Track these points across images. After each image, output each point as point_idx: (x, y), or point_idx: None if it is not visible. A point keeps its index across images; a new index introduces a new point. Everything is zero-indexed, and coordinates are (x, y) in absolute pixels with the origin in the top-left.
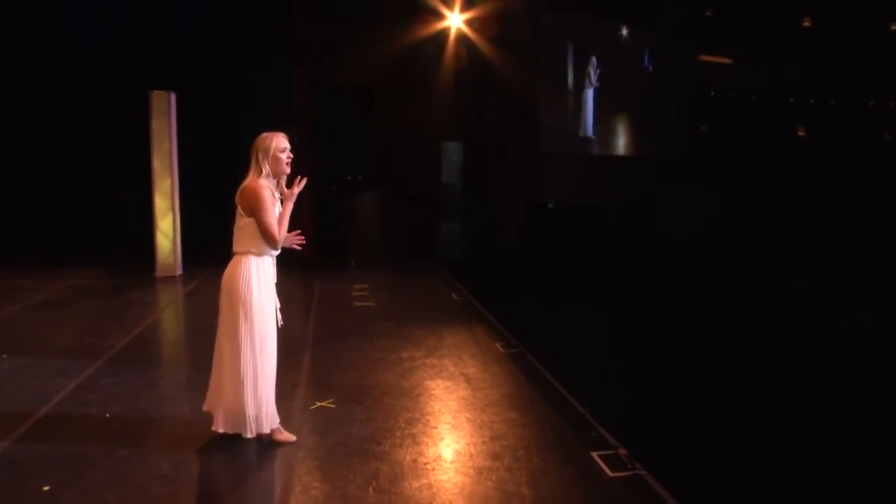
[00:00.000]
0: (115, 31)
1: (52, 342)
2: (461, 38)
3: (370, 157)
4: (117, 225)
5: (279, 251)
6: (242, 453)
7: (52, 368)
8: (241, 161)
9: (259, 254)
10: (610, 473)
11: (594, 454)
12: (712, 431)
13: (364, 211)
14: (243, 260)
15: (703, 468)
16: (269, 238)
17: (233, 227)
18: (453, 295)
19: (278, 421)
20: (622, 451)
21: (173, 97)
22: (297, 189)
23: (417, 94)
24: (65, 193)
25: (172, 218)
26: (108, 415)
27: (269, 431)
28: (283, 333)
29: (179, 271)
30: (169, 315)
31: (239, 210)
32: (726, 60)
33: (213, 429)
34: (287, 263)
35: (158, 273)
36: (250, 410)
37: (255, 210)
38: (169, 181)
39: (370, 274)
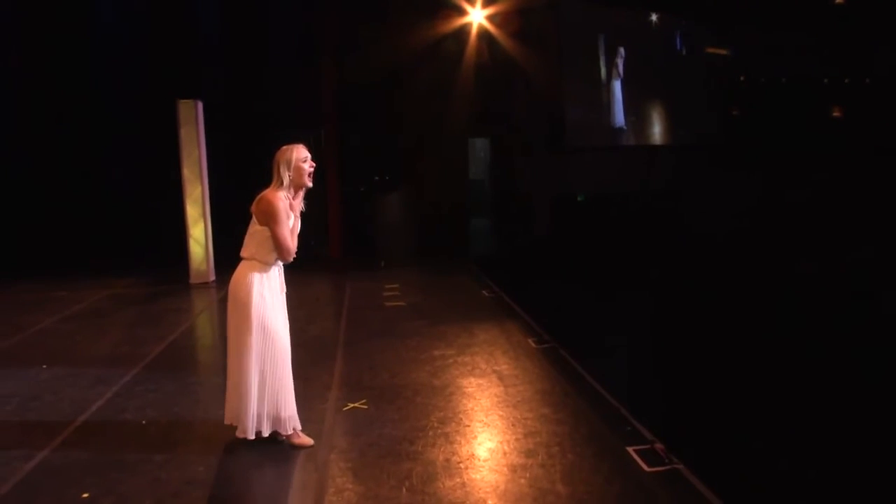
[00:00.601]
0: (142, 40)
1: (90, 351)
2: (483, 33)
3: (396, 155)
4: (151, 233)
5: (290, 262)
6: (276, 456)
7: (90, 377)
8: (268, 165)
9: (265, 261)
10: (646, 468)
11: (630, 449)
12: (752, 424)
13: (392, 210)
14: (248, 265)
15: (743, 461)
16: (282, 249)
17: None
18: (484, 292)
19: (298, 426)
20: (658, 446)
21: (200, 105)
22: (296, 203)
23: (441, 91)
24: (98, 203)
25: (204, 225)
26: (144, 421)
27: (288, 433)
28: (314, 335)
29: (212, 277)
30: (203, 321)
31: (253, 217)
32: (753, 43)
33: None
34: (317, 265)
35: (192, 280)
36: (245, 412)
37: (270, 221)
38: (199, 189)
39: (400, 273)
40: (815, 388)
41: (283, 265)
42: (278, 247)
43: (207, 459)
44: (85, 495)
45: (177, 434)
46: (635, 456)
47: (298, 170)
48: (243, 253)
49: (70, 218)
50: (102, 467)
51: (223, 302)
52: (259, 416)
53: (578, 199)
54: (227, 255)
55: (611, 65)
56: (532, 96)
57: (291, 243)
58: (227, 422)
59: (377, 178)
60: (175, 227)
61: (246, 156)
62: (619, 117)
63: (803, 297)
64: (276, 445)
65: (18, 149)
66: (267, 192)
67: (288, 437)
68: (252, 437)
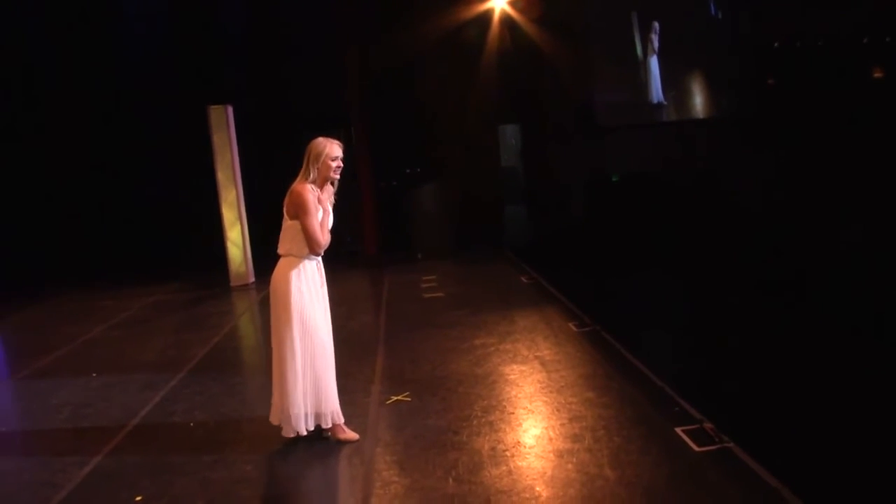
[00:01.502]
0: (171, 48)
1: (138, 357)
2: (506, 19)
3: (426, 147)
4: (190, 239)
5: (321, 254)
6: (323, 453)
7: (138, 383)
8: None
9: (300, 255)
10: (696, 448)
11: (678, 430)
12: (801, 398)
13: (426, 202)
14: (286, 262)
15: (796, 437)
16: (312, 241)
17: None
18: (522, 278)
19: (340, 420)
20: (708, 425)
21: (230, 110)
22: (324, 196)
23: (468, 79)
24: (137, 211)
25: (241, 228)
26: (192, 423)
27: (328, 426)
28: (355, 330)
29: (252, 279)
30: (245, 322)
31: (284, 211)
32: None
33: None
34: (354, 261)
35: (233, 282)
36: (289, 410)
37: (299, 212)
38: (234, 192)
39: (437, 265)
40: (865, 360)
41: (322, 259)
42: (308, 238)
43: (255, 458)
44: (138, 498)
45: (224, 434)
46: (684, 436)
47: (326, 166)
48: (280, 250)
49: (110, 227)
50: (154, 470)
51: (264, 303)
52: (303, 414)
53: (613, 179)
54: (266, 256)
55: (646, 41)
56: (560, 79)
57: (321, 234)
58: (273, 422)
59: (409, 171)
60: (213, 232)
61: (278, 156)
62: (657, 93)
63: (849, 267)
64: (322, 442)
65: (57, 162)
66: (296, 185)
67: (333, 432)
68: (302, 432)
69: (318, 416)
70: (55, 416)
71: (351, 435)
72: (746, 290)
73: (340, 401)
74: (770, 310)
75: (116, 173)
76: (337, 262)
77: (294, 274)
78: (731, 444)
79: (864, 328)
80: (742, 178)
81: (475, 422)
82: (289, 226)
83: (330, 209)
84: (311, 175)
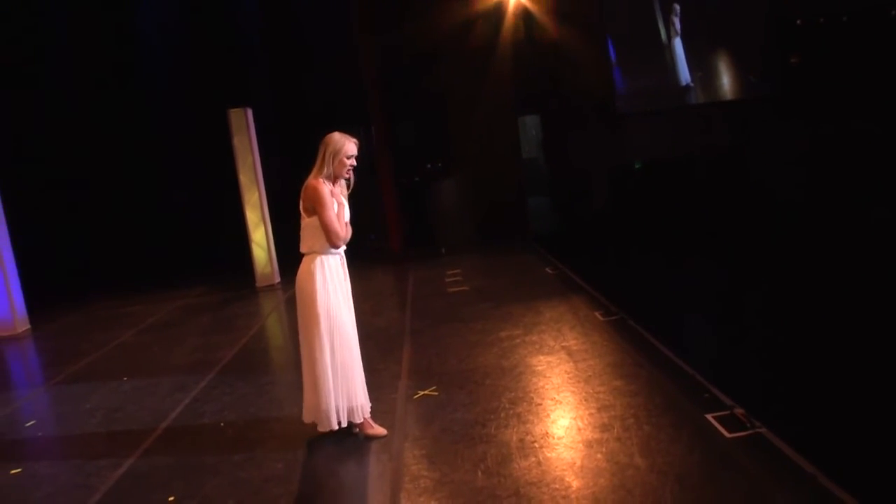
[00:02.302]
0: (188, 53)
1: (167, 360)
2: (522, 7)
3: (446, 141)
4: (216, 241)
5: (342, 247)
6: (352, 449)
7: (168, 385)
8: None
9: (323, 251)
10: (728, 435)
11: (709, 416)
12: (834, 381)
13: (448, 197)
14: (309, 259)
15: (831, 421)
16: (331, 233)
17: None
18: (547, 269)
19: (367, 415)
20: (739, 411)
21: (250, 113)
22: (337, 190)
23: (485, 71)
24: (162, 217)
25: (264, 229)
26: (222, 423)
27: (359, 422)
28: (381, 326)
29: (278, 279)
30: (272, 322)
31: (301, 209)
32: None
33: (319, 429)
34: (378, 258)
35: (258, 283)
36: (324, 405)
37: (316, 207)
38: (256, 194)
39: (461, 259)
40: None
41: (345, 255)
42: (326, 231)
43: (285, 456)
44: (171, 499)
45: (254, 434)
46: (715, 423)
47: (341, 163)
48: (302, 248)
49: (136, 233)
50: (185, 471)
51: (290, 302)
52: (336, 408)
53: (636, 166)
54: (291, 256)
55: (668, 23)
56: (579, 66)
57: (339, 227)
58: (305, 420)
59: (429, 166)
60: (237, 234)
61: (298, 156)
62: (684, 75)
63: (881, 245)
64: (351, 439)
65: (82, 171)
66: (309, 180)
67: (361, 428)
68: (335, 427)
69: (349, 410)
70: (88, 420)
71: (379, 430)
72: (776, 273)
73: (371, 397)
74: (800, 293)
75: (141, 179)
76: (361, 259)
77: (318, 271)
78: (764, 430)
79: None
80: (769, 159)
81: (503, 414)
82: (308, 223)
83: (345, 202)
84: (326, 170)
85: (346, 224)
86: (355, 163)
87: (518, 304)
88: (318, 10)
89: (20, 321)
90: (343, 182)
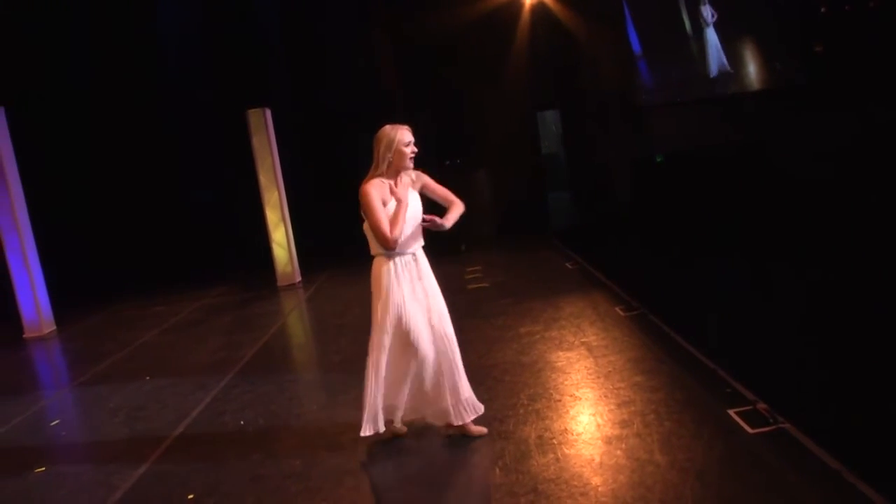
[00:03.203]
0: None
1: (189, 360)
2: (540, 2)
3: (465, 137)
4: (237, 241)
5: (415, 246)
6: (368, 447)
7: (190, 384)
8: (340, 160)
9: (391, 255)
10: (750, 430)
11: (731, 412)
12: (859, 375)
13: (468, 193)
14: (378, 262)
15: (856, 416)
16: (378, 236)
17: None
18: (567, 264)
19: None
20: (761, 406)
21: (269, 113)
22: (402, 187)
23: (504, 66)
24: (184, 218)
25: (284, 229)
26: (242, 422)
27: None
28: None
29: (298, 278)
30: (293, 321)
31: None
32: None
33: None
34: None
35: (279, 283)
36: (368, 404)
37: (364, 211)
38: (276, 194)
39: (482, 255)
40: None
41: (423, 251)
42: (375, 233)
43: (304, 453)
44: (190, 496)
45: (273, 432)
46: (737, 418)
47: (400, 153)
48: (371, 251)
49: (158, 234)
50: (204, 469)
51: (311, 301)
52: (375, 411)
53: (657, 160)
54: (312, 255)
55: (696, 13)
56: (600, 59)
57: (387, 228)
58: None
59: (448, 162)
60: (258, 233)
61: (319, 156)
62: (719, 63)
63: None
64: (368, 437)
65: (102, 172)
66: (362, 184)
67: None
68: (367, 433)
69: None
70: (111, 419)
71: (401, 429)
72: (801, 267)
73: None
74: (825, 287)
75: (163, 179)
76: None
77: (385, 272)
78: (787, 425)
79: None
80: (794, 150)
81: (521, 410)
82: (366, 227)
83: (408, 198)
84: (382, 167)
85: (403, 222)
86: (415, 149)
87: (538, 300)
88: (337, 7)
89: (46, 322)
90: (406, 178)
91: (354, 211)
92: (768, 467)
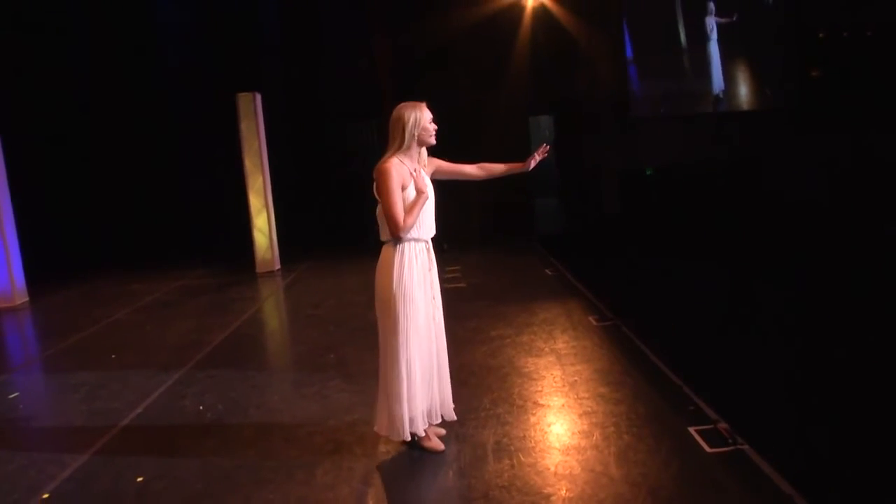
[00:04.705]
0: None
1: (158, 341)
2: (539, 6)
3: (455, 136)
4: (219, 225)
5: (403, 238)
6: (328, 441)
7: (154, 366)
8: (328, 153)
9: (408, 239)
10: (708, 449)
11: (691, 429)
12: (826, 403)
13: (453, 193)
14: (393, 248)
15: (815, 443)
16: (391, 222)
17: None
18: (547, 270)
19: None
20: (722, 426)
21: (259, 98)
22: (418, 176)
23: (499, 68)
24: (168, 199)
25: (267, 215)
26: (201, 407)
27: (422, 434)
28: (374, 319)
29: (278, 266)
30: (267, 308)
31: (375, 193)
32: None
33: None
34: (378, 251)
35: (258, 269)
36: (399, 412)
37: (380, 191)
38: (261, 179)
39: (462, 256)
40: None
41: (432, 242)
42: (387, 218)
43: (258, 444)
44: (139, 479)
45: (231, 420)
46: (697, 436)
47: (426, 129)
48: (382, 236)
49: (142, 213)
50: (158, 452)
51: (288, 290)
52: (410, 416)
53: (647, 172)
54: (293, 243)
55: (693, 25)
56: (595, 68)
57: (401, 215)
58: (377, 431)
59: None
60: (241, 218)
61: (308, 146)
62: (717, 82)
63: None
64: (331, 431)
65: (89, 148)
66: (381, 161)
67: (420, 438)
68: (406, 437)
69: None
70: (71, 395)
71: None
72: (780, 287)
73: (352, 391)
74: (802, 308)
75: (151, 159)
76: (364, 253)
77: (397, 261)
78: (746, 447)
79: None
80: (783, 171)
81: (483, 414)
82: (379, 210)
83: (428, 189)
84: (405, 144)
85: (419, 213)
86: (436, 125)
87: (513, 304)
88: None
89: (19, 293)
90: (424, 157)
91: (340, 202)
92: (721, 488)
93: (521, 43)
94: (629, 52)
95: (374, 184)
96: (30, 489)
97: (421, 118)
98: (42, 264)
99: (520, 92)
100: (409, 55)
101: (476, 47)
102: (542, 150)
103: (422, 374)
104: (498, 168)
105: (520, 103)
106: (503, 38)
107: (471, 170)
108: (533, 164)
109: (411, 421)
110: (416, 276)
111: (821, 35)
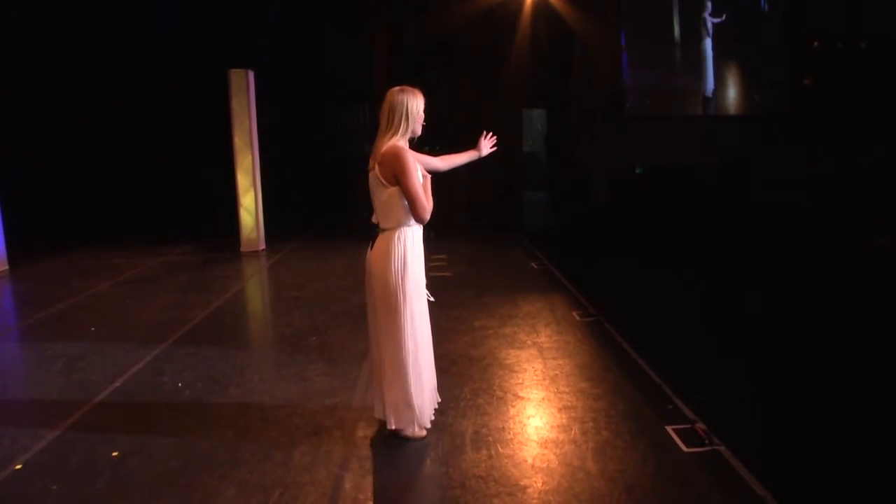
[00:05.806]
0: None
1: (139, 315)
2: (537, 5)
3: (449, 127)
4: (206, 202)
5: (426, 221)
6: (307, 424)
7: (134, 340)
8: (321, 135)
9: (409, 225)
10: (685, 449)
11: (669, 428)
12: (806, 407)
13: (442, 181)
14: (396, 235)
15: (791, 446)
16: (418, 207)
17: (371, 199)
18: (533, 264)
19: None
20: (699, 426)
21: (251, 75)
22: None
23: (496, 61)
24: (156, 173)
25: (254, 194)
26: (180, 384)
27: (428, 425)
28: (356, 304)
29: (263, 246)
30: (250, 288)
31: (379, 179)
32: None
33: (376, 416)
34: (368, 237)
35: (243, 248)
36: (416, 401)
37: (400, 175)
38: (250, 158)
39: (450, 245)
40: (881, 365)
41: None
42: (413, 204)
43: (237, 424)
44: (115, 454)
45: (210, 398)
46: (674, 435)
47: (420, 118)
48: (385, 223)
49: (130, 187)
50: (135, 427)
51: (272, 270)
52: (419, 405)
53: (637, 171)
54: (279, 223)
55: (689, 23)
56: (591, 65)
57: (427, 199)
58: (377, 416)
59: (427, 148)
60: (228, 196)
61: (300, 126)
62: (709, 82)
63: (880, 273)
64: (309, 415)
65: (78, 121)
66: (389, 146)
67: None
68: (426, 425)
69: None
70: (48, 367)
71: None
72: (763, 291)
73: (333, 374)
74: (785, 313)
75: (140, 133)
76: (350, 236)
77: (402, 249)
78: (722, 448)
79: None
80: (771, 177)
81: (462, 404)
82: (391, 193)
83: (426, 171)
84: (401, 130)
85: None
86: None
87: (497, 296)
88: None
89: None
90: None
91: (328, 183)
92: (696, 487)
93: (522, 36)
94: (622, 40)
95: (383, 168)
96: (3, 459)
97: (420, 105)
98: (25, 234)
99: (516, 85)
100: (406, 40)
101: (476, 39)
102: (486, 136)
103: (427, 361)
104: (458, 159)
105: (518, 95)
106: (503, 30)
107: (437, 163)
108: (485, 150)
109: (422, 410)
110: (419, 261)
111: (815, 44)
